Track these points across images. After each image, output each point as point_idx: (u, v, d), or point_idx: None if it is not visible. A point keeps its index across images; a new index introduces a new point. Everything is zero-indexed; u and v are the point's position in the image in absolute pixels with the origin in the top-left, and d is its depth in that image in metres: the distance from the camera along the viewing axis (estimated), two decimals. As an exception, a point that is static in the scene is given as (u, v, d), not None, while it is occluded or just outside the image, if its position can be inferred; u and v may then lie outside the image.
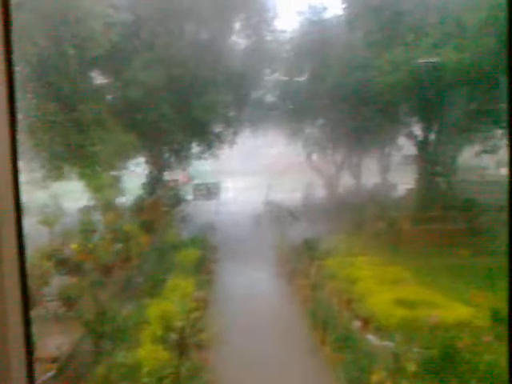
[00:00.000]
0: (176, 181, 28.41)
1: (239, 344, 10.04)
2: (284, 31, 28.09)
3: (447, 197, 20.39)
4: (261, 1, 23.51)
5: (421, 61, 15.59)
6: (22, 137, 14.91)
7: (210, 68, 20.85)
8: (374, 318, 8.63)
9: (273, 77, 29.74)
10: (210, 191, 30.38)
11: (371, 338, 8.44)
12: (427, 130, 20.36)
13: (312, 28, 26.57)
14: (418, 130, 21.67)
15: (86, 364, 8.28)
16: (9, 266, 1.41)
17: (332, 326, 9.76)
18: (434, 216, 19.16)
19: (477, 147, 21.81)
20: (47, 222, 12.66)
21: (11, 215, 1.47)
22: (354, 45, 20.78)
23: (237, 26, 24.63)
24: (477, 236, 16.92)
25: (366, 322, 8.91)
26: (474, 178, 26.22)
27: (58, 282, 10.17)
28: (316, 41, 25.76)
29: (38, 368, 7.14)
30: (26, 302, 1.52)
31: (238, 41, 26.21)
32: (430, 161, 20.08)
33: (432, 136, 20.39)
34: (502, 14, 12.16)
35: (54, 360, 7.51)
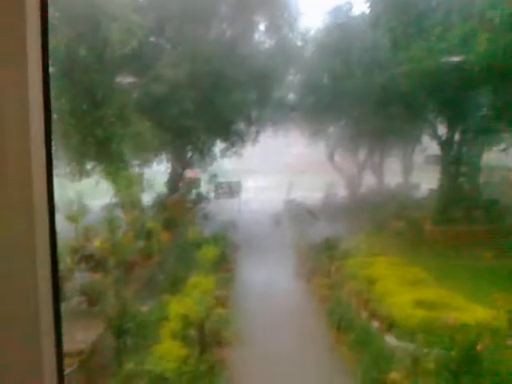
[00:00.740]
0: (190, 178, 28.66)
1: (258, 342, 10.12)
2: (308, 30, 28.08)
3: (470, 197, 20.13)
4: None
5: (445, 59, 15.38)
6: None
7: (234, 67, 20.96)
8: (393, 319, 8.61)
9: (296, 76, 29.75)
10: (231, 190, 30.54)
11: (390, 338, 8.43)
12: (451, 129, 20.11)
13: (336, 27, 26.48)
14: (441, 129, 21.43)
15: (107, 359, 8.47)
16: (41, 263, 1.49)
17: (350, 326, 9.78)
18: (457, 217, 18.94)
19: (503, 147, 21.47)
20: (73, 218, 12.93)
21: (45, 212, 1.55)
22: (377, 44, 20.65)
23: (261, 25, 24.68)
24: (500, 237, 16.68)
25: (385, 322, 8.89)
26: (497, 179, 25.82)
27: (82, 277, 10.39)
28: (340, 40, 25.66)
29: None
30: (57, 297, 1.60)
31: (262, 39, 26.28)
32: (453, 161, 19.84)
33: (456, 136, 20.14)
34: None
35: (77, 354, 7.69)
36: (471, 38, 14.20)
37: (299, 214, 26.09)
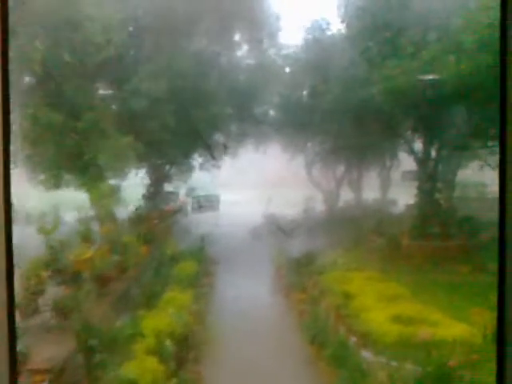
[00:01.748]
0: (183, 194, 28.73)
1: (235, 357, 9.97)
2: (287, 46, 28.33)
3: (447, 213, 20.35)
4: (264, 15, 23.66)
5: (419, 77, 15.63)
6: (23, 145, 15.02)
7: (213, 81, 20.97)
8: (370, 334, 8.57)
9: (275, 91, 29.93)
10: (209, 203, 30.41)
11: (367, 354, 8.37)
12: (427, 146, 20.38)
13: (314, 43, 26.77)
14: (418, 145, 21.69)
15: (78, 376, 8.22)
16: None
17: (327, 341, 9.70)
18: (434, 232, 19.11)
19: (478, 163, 21.81)
20: (45, 230, 12.62)
21: (1, 222, 1.47)
22: (355, 61, 20.91)
23: (240, 40, 24.79)
24: (476, 253, 16.86)
25: (362, 337, 8.84)
26: (474, 195, 26.20)
27: (54, 291, 10.13)
28: (318, 56, 25.92)
29: (30, 379, 7.08)
30: (13, 315, 1.51)
31: (242, 55, 26.40)
32: (430, 177, 20.07)
33: (432, 153, 20.40)
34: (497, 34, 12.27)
35: (47, 371, 7.45)
36: (443, 58, 14.48)
37: (274, 229, 26.18)
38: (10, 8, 1.55)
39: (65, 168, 16.21)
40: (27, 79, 15.71)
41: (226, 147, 27.80)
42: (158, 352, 7.99)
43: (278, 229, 26.30)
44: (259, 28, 23.90)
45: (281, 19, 24.56)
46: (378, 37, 17.85)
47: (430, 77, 15.35)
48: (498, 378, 2.27)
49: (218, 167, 29.25)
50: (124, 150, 16.84)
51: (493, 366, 6.28)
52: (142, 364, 7.24)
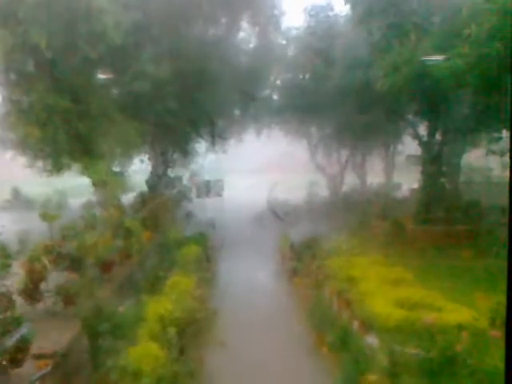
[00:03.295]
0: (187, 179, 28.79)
1: (238, 342, 10.00)
2: (290, 29, 28.04)
3: (451, 197, 20.25)
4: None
5: (424, 58, 15.38)
6: (29, 129, 14.97)
7: (217, 64, 20.76)
8: (374, 319, 8.55)
9: (279, 75, 29.72)
10: (213, 188, 30.42)
11: (370, 339, 8.36)
12: (432, 130, 20.19)
13: (318, 26, 26.50)
14: (422, 129, 21.53)
15: (82, 361, 8.26)
16: None
17: (331, 327, 9.70)
18: (438, 217, 19.05)
19: (483, 148, 21.63)
20: (47, 216, 12.61)
21: None
22: (358, 44, 20.66)
23: (244, 23, 24.51)
24: (480, 237, 16.79)
25: (366, 322, 8.83)
26: (479, 179, 26.05)
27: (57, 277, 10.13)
28: (321, 39, 25.67)
29: (33, 364, 7.11)
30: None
31: (246, 38, 26.16)
32: (434, 161, 19.91)
33: (437, 136, 20.23)
34: (508, 21, 12.03)
35: (51, 356, 7.47)
36: (451, 42, 14.24)
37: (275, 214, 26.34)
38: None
39: (69, 153, 16.16)
40: (31, 65, 15.62)
41: (223, 138, 27.74)
42: (160, 338, 8.00)
43: (271, 213, 26.44)
44: (263, 11, 23.58)
45: (284, 2, 24.23)
46: (382, 20, 17.60)
47: (435, 58, 15.10)
48: (507, 363, 2.22)
49: (224, 151, 29.16)
50: (128, 132, 16.79)
51: (496, 351, 6.22)
52: (144, 350, 7.25)
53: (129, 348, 7.33)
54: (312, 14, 26.93)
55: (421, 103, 19.70)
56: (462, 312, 8.53)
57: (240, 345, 9.94)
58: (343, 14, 25.42)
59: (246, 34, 25.81)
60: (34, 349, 7.07)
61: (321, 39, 25.61)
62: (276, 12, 24.70)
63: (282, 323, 11.53)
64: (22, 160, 16.95)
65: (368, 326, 8.70)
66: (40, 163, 16.50)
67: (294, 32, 28.12)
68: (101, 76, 18.27)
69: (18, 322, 6.95)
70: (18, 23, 13.38)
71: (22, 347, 6.75)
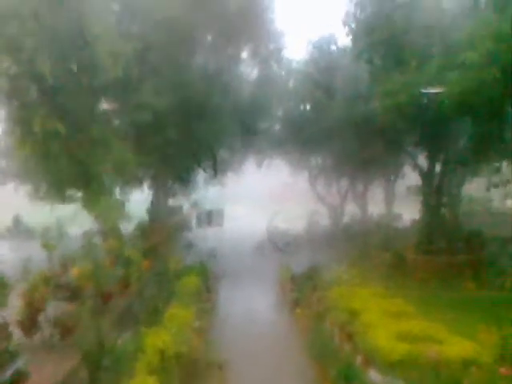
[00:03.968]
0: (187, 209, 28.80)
1: (238, 374, 9.81)
2: (292, 61, 28.41)
3: (452, 228, 20.18)
4: (270, 30, 23.75)
5: (423, 90, 15.52)
6: (30, 160, 15.01)
7: (218, 96, 20.95)
8: (376, 353, 8.40)
9: (280, 106, 29.96)
10: (214, 218, 30.41)
11: (373, 373, 8.20)
12: (432, 161, 20.27)
13: (321, 58, 26.86)
14: (423, 160, 21.62)
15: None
16: None
17: (333, 360, 9.52)
18: (439, 247, 18.94)
19: (483, 179, 21.70)
20: (48, 245, 12.57)
21: None
22: (359, 76, 20.93)
23: (245, 55, 24.82)
24: (482, 268, 16.67)
25: (368, 356, 8.67)
26: (479, 210, 26.04)
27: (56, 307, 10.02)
28: (323, 71, 26.00)
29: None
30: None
31: (247, 70, 26.46)
32: (435, 192, 19.93)
33: (437, 167, 20.30)
34: (506, 46, 12.18)
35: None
36: (447, 73, 14.40)
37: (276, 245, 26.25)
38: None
39: (69, 182, 16.16)
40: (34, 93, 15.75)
41: (223, 170, 27.88)
42: (159, 371, 7.84)
43: (271, 243, 26.34)
44: (264, 43, 23.91)
45: (286, 35, 24.56)
46: (381, 51, 17.87)
47: (433, 90, 15.24)
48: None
49: (222, 185, 29.30)
50: (128, 162, 16.82)
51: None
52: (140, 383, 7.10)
53: (127, 382, 7.19)
54: (316, 45, 27.33)
55: (420, 134, 19.82)
56: (464, 345, 8.38)
57: (241, 378, 9.75)
58: (345, 45, 25.78)
59: (247, 66, 26.13)
60: (31, 381, 6.95)
61: (322, 71, 25.94)
62: (277, 44, 25.05)
63: (283, 355, 11.32)
64: (24, 189, 16.97)
65: (371, 359, 8.55)
66: (42, 193, 16.50)
67: (295, 64, 28.50)
68: (103, 106, 18.42)
69: (14, 354, 6.85)
70: (21, 51, 13.52)
71: (19, 380, 6.63)
